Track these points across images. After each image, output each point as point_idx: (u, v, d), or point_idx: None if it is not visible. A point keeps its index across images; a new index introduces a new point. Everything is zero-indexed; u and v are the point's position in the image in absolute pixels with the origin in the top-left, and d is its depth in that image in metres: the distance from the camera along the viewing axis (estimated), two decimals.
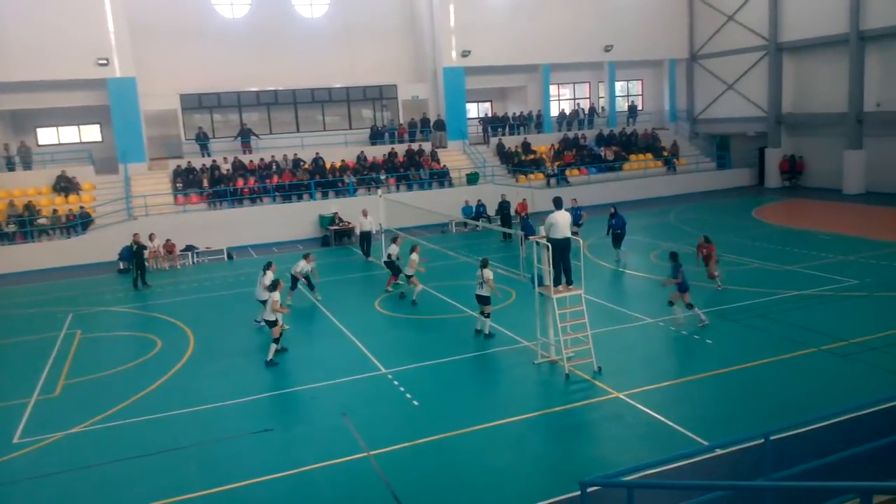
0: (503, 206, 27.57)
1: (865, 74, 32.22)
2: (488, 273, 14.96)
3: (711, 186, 37.07)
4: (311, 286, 19.40)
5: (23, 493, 9.78)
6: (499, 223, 26.70)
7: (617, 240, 21.53)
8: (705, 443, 9.77)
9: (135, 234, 22.90)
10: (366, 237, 24.54)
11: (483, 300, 15.13)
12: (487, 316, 15.19)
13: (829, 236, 23.68)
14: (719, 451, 9.49)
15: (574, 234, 19.39)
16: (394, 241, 19.87)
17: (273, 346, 14.26)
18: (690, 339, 14.34)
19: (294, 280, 18.87)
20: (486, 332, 15.22)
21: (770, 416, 10.51)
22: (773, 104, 36.40)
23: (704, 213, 30.10)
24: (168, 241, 25.71)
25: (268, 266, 16.58)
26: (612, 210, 21.84)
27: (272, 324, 14.27)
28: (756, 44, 36.70)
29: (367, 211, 24.68)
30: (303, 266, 18.97)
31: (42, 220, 27.15)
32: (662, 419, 10.75)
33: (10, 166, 29.84)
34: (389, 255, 19.68)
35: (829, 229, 24.84)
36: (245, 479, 9.65)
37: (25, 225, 26.73)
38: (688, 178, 37.04)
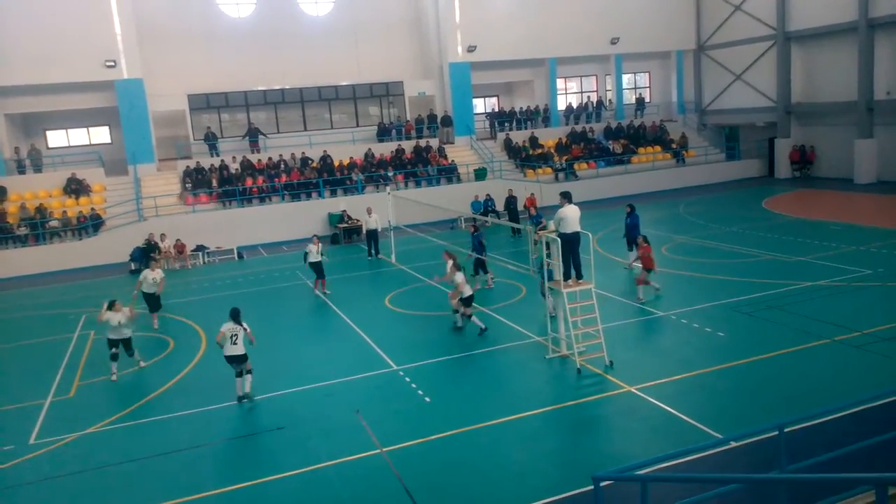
0: (510, 202, 27.55)
1: (875, 62, 31.94)
2: (460, 276, 15.14)
3: (721, 178, 36.91)
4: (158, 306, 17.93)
5: (39, 493, 9.85)
6: (507, 218, 26.66)
7: (631, 242, 19.20)
8: (719, 436, 9.73)
9: (150, 234, 23.11)
10: (372, 235, 24.55)
11: (466, 301, 15.20)
12: (469, 316, 15.19)
13: (840, 226, 23.52)
14: (733, 444, 9.44)
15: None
16: (315, 241, 19.56)
17: (250, 377, 12.52)
18: (702, 331, 14.28)
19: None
20: (459, 324, 15.39)
21: (784, 408, 10.45)
22: (781, 94, 36.15)
23: (714, 205, 29.96)
24: (178, 241, 25.85)
25: (111, 304, 14.25)
26: (629, 208, 19.65)
27: (243, 359, 12.46)
28: (764, 33, 36.45)
29: (372, 209, 24.70)
30: (147, 274, 17.63)
31: (53, 223, 27.35)
32: (675, 412, 10.72)
33: (21, 169, 30.09)
34: (307, 254, 19.41)
35: (840, 219, 24.67)
36: (259, 477, 9.70)
37: (37, 227, 26.93)
38: (697, 170, 36.89)
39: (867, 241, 20.82)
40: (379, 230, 24.41)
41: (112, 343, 14.02)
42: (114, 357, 14.01)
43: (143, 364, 14.67)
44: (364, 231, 25.52)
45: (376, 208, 24.93)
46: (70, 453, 10.99)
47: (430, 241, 24.54)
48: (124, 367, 14.79)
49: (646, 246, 16.91)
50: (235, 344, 12.33)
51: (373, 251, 24.51)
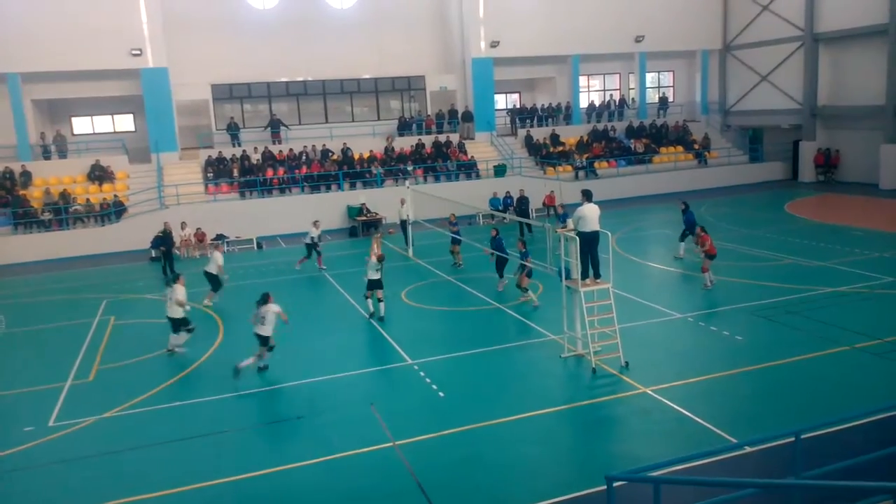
0: (521, 202, 27.27)
1: None
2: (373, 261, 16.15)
3: (743, 180, 36.54)
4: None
5: (57, 474, 10.02)
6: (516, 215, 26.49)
7: (683, 235, 20.63)
8: (734, 440, 9.66)
9: (166, 223, 23.42)
10: (404, 226, 24.48)
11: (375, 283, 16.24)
12: (366, 297, 16.45)
13: (864, 232, 23.19)
14: (748, 449, 9.38)
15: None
16: (314, 224, 22.28)
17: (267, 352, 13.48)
18: (720, 334, 14.17)
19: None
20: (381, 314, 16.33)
21: (801, 415, 10.36)
22: (808, 96, 35.67)
23: (736, 207, 29.66)
24: (199, 229, 26.06)
25: (176, 278, 15.14)
26: (684, 206, 20.99)
27: (266, 340, 13.35)
28: (791, 34, 35.97)
29: (405, 200, 24.64)
30: (216, 255, 18.84)
31: (77, 208, 27.70)
32: (690, 415, 10.65)
33: (46, 155, 30.50)
34: (312, 238, 21.91)
35: (864, 225, 24.33)
36: (274, 465, 9.78)
37: (60, 213, 27.29)
38: (719, 172, 36.54)
39: (891, 248, 20.52)
40: (409, 221, 24.36)
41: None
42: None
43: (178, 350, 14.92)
44: (398, 221, 25.49)
45: (397, 202, 24.89)
46: (88, 436, 11.15)
47: (447, 237, 24.52)
48: (144, 352, 14.98)
49: (705, 235, 17.45)
50: (263, 325, 13.30)
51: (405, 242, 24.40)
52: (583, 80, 39.53)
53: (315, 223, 22.34)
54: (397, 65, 35.56)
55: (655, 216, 28.27)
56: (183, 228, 25.31)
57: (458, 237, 21.06)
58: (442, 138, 34.17)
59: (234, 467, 9.84)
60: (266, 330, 13.27)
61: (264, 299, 13.45)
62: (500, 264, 18.07)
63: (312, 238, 22.01)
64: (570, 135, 36.99)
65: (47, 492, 9.59)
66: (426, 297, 18.39)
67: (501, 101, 39.92)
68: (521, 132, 36.63)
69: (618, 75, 41.47)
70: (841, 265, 18.95)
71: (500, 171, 32.84)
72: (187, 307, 14.95)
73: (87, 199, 28.22)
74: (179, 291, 14.64)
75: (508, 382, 12.53)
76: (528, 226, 24.72)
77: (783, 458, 8.95)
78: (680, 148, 37.42)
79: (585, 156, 35.30)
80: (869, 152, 33.29)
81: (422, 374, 12.93)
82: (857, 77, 33.86)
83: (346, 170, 31.31)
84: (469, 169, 33.01)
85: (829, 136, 35.95)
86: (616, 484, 6.91)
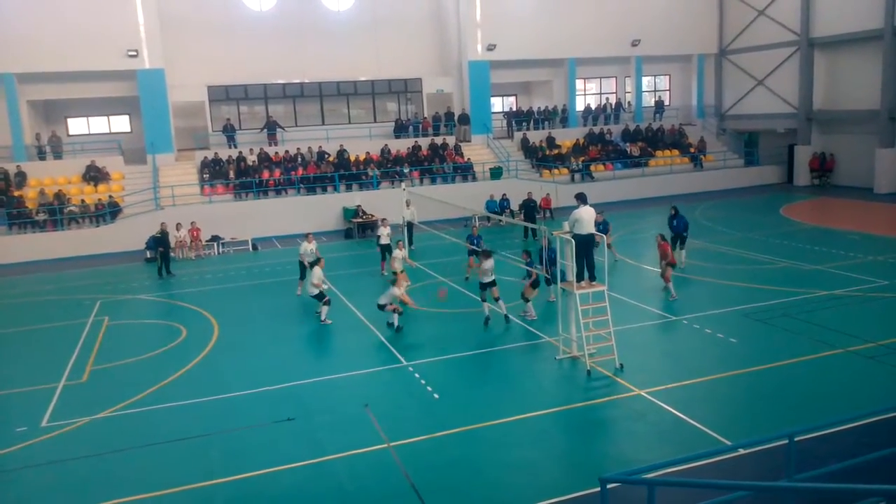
0: (528, 205, 27.20)
1: None
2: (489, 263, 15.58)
3: (739, 184, 36.64)
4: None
5: (50, 475, 9.97)
6: (522, 218, 26.52)
7: (679, 242, 19.84)
8: (728, 442, 9.67)
9: (163, 224, 23.33)
10: (408, 228, 24.40)
11: (487, 285, 15.64)
12: (499, 298, 15.75)
13: (858, 236, 23.27)
14: (742, 451, 9.39)
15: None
16: (382, 223, 21.73)
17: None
18: (715, 337, 14.19)
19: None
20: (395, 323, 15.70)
21: (794, 417, 10.37)
22: (803, 101, 35.80)
23: (731, 211, 29.73)
24: (193, 223, 25.84)
25: (317, 261, 16.99)
26: (674, 210, 20.18)
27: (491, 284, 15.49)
28: (787, 39, 36.11)
29: (411, 201, 24.51)
30: (305, 246, 19.20)
31: (72, 209, 27.62)
32: (685, 418, 10.66)
33: (42, 155, 30.42)
34: (379, 237, 21.31)
35: (859, 229, 24.40)
36: (267, 467, 9.75)
37: (55, 213, 27.22)
38: (715, 175, 36.62)
39: (885, 252, 20.58)
40: (415, 223, 24.27)
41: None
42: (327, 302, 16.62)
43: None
44: (402, 222, 25.35)
45: (393, 204, 24.82)
46: (81, 437, 11.10)
47: (443, 239, 24.53)
48: (138, 353, 14.94)
49: (665, 244, 17.38)
50: (489, 276, 15.35)
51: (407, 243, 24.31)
52: (579, 84, 39.63)
53: (383, 221, 21.80)
54: (394, 67, 35.61)
55: (651, 219, 28.31)
56: (178, 230, 25.25)
57: (479, 248, 19.64)
58: (438, 140, 34.18)
59: (226, 468, 9.80)
60: (487, 277, 15.33)
61: (487, 254, 15.54)
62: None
63: (379, 237, 21.37)
64: (566, 138, 37.05)
65: (40, 492, 9.55)
66: (421, 298, 18.33)
67: (498, 104, 39.94)
68: (518, 135, 36.68)
69: (614, 79, 41.56)
70: (836, 268, 18.99)
71: (496, 173, 32.88)
72: (323, 286, 16.64)
73: (82, 200, 28.16)
74: (316, 273, 16.45)
75: (503, 384, 12.52)
76: (533, 231, 24.65)
77: (777, 460, 8.95)
78: (676, 151, 37.50)
79: (581, 159, 35.35)
80: (863, 156, 33.41)
81: (416, 375, 12.91)
82: (852, 82, 34.01)
83: (342, 172, 31.29)
84: (465, 171, 33.03)
85: (824, 141, 36.08)
86: (610, 486, 6.92)
